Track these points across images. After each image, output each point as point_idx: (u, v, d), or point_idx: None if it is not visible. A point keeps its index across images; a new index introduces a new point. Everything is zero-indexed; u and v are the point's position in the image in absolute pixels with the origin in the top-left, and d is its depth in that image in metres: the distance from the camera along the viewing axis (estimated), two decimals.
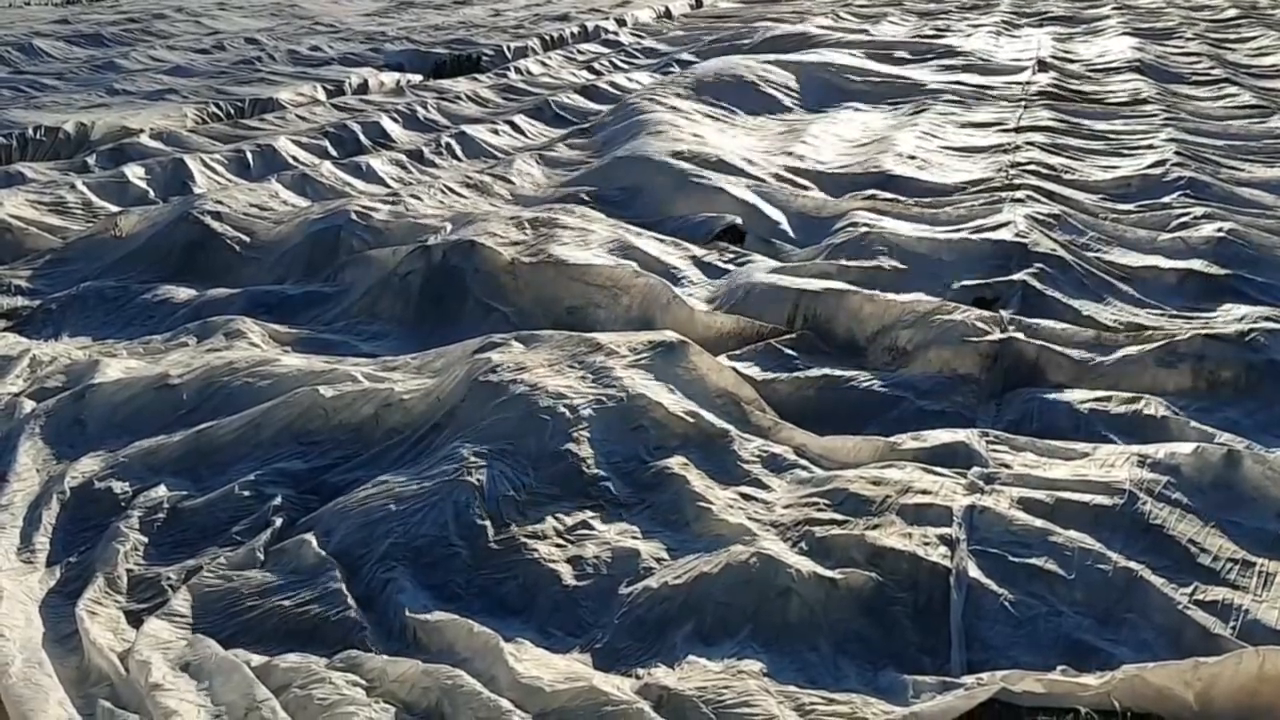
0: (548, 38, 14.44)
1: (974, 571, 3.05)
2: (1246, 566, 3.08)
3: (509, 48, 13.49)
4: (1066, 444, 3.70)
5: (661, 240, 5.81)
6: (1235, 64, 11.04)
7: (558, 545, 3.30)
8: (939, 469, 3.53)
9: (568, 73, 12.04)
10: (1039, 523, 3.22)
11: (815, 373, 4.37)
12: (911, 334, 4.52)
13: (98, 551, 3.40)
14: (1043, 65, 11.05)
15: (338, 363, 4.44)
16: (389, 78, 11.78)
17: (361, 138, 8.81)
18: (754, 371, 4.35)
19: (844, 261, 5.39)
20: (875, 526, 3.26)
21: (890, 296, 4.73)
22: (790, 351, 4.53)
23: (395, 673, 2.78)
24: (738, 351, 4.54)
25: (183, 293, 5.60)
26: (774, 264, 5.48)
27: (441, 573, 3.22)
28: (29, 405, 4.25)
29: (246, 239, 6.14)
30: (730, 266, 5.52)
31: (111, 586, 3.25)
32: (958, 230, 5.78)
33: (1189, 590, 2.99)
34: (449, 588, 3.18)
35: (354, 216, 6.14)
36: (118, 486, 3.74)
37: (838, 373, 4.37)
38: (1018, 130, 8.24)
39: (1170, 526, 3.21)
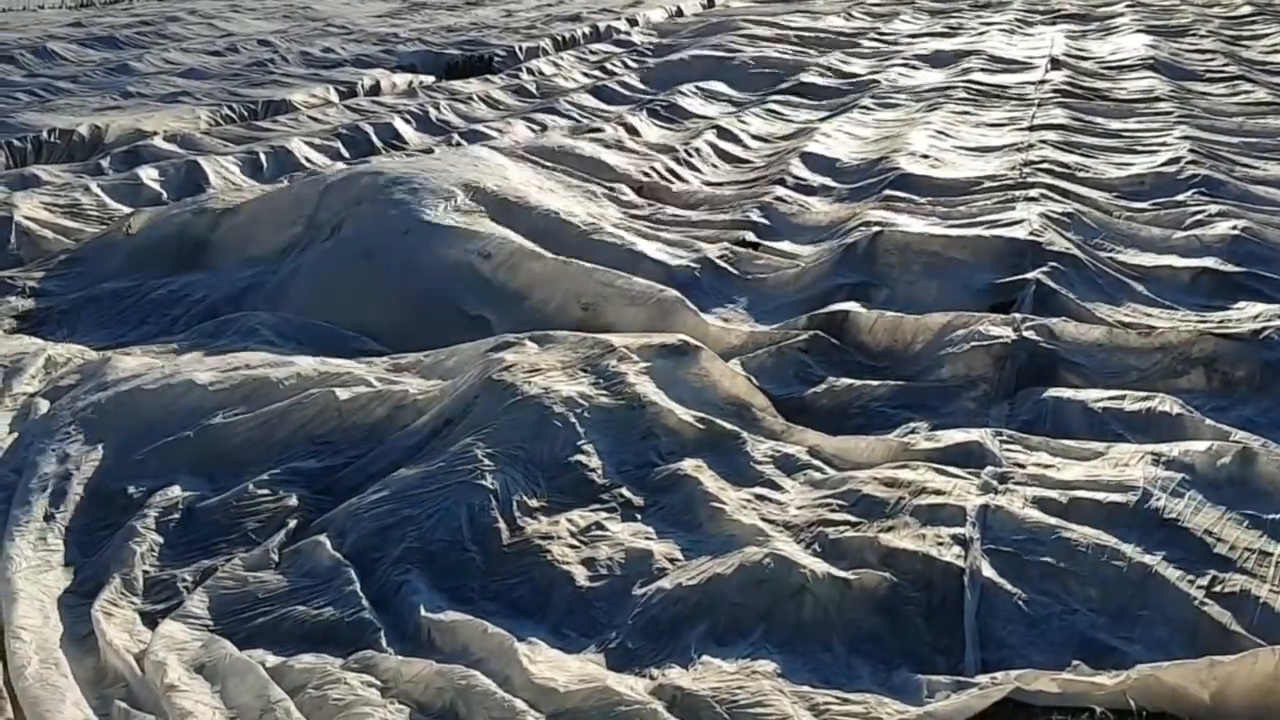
0: (559, 38, 14.44)
1: (988, 571, 3.04)
2: (1262, 562, 3.06)
3: (521, 48, 13.50)
4: (1080, 443, 3.69)
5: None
6: (1250, 61, 11.00)
7: (571, 547, 3.30)
8: (953, 469, 3.52)
9: (579, 73, 12.04)
10: (1053, 521, 3.21)
11: (832, 382, 4.36)
12: (926, 343, 4.52)
13: (113, 552, 3.42)
14: (1056, 63, 11.02)
15: (351, 365, 4.45)
16: (401, 79, 11.80)
17: (374, 139, 8.83)
18: (765, 380, 4.35)
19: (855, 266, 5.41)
20: (889, 528, 3.25)
21: (903, 316, 4.71)
22: (804, 356, 4.52)
23: (410, 673, 2.79)
24: (751, 355, 4.54)
25: (196, 291, 5.62)
26: (786, 271, 5.50)
27: (455, 574, 3.23)
28: (45, 405, 4.27)
29: None
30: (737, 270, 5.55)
31: (127, 587, 3.26)
32: (971, 228, 5.77)
33: (1204, 587, 2.98)
34: (463, 590, 3.19)
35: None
36: (133, 486, 3.76)
37: (852, 379, 4.37)
38: (1031, 129, 8.22)
39: (1185, 523, 3.20)
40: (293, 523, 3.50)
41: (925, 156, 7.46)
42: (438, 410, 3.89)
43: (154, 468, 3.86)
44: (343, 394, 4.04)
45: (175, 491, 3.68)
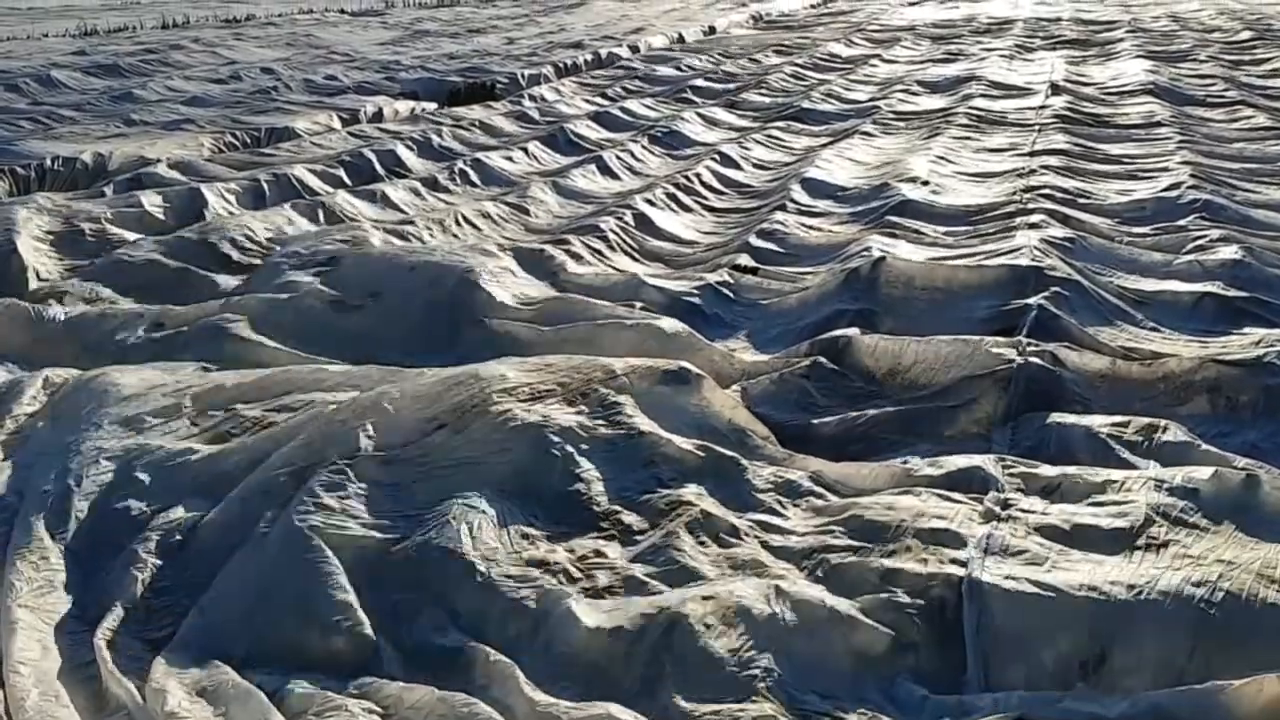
0: (561, 65, 14.51)
1: (991, 597, 3.03)
2: (1266, 587, 3.05)
3: (523, 75, 13.57)
4: (1083, 469, 3.68)
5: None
6: (1249, 86, 11.04)
7: (570, 575, 3.28)
8: (955, 494, 3.51)
9: (581, 99, 12.10)
10: (1056, 547, 3.20)
11: (834, 408, 4.37)
12: (927, 368, 4.51)
13: (115, 576, 3.40)
14: (1056, 89, 11.07)
15: (346, 378, 4.44)
16: (404, 106, 11.86)
17: (377, 166, 8.85)
18: (767, 407, 4.34)
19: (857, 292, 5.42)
20: (891, 553, 3.24)
21: (904, 340, 4.71)
22: (806, 383, 4.52)
23: (410, 700, 2.78)
24: (751, 380, 4.54)
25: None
26: (788, 298, 5.52)
27: (456, 595, 3.22)
28: (45, 426, 4.27)
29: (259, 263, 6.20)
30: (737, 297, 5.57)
31: (129, 613, 3.24)
32: (972, 254, 5.78)
33: (1207, 610, 2.96)
34: (465, 612, 3.18)
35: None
36: (135, 508, 3.74)
37: (854, 405, 4.37)
38: (1032, 154, 8.25)
39: (1188, 549, 3.18)
40: None
41: (926, 183, 7.49)
42: (430, 414, 3.86)
43: (156, 488, 3.84)
44: (339, 413, 4.02)
45: (178, 513, 3.67)
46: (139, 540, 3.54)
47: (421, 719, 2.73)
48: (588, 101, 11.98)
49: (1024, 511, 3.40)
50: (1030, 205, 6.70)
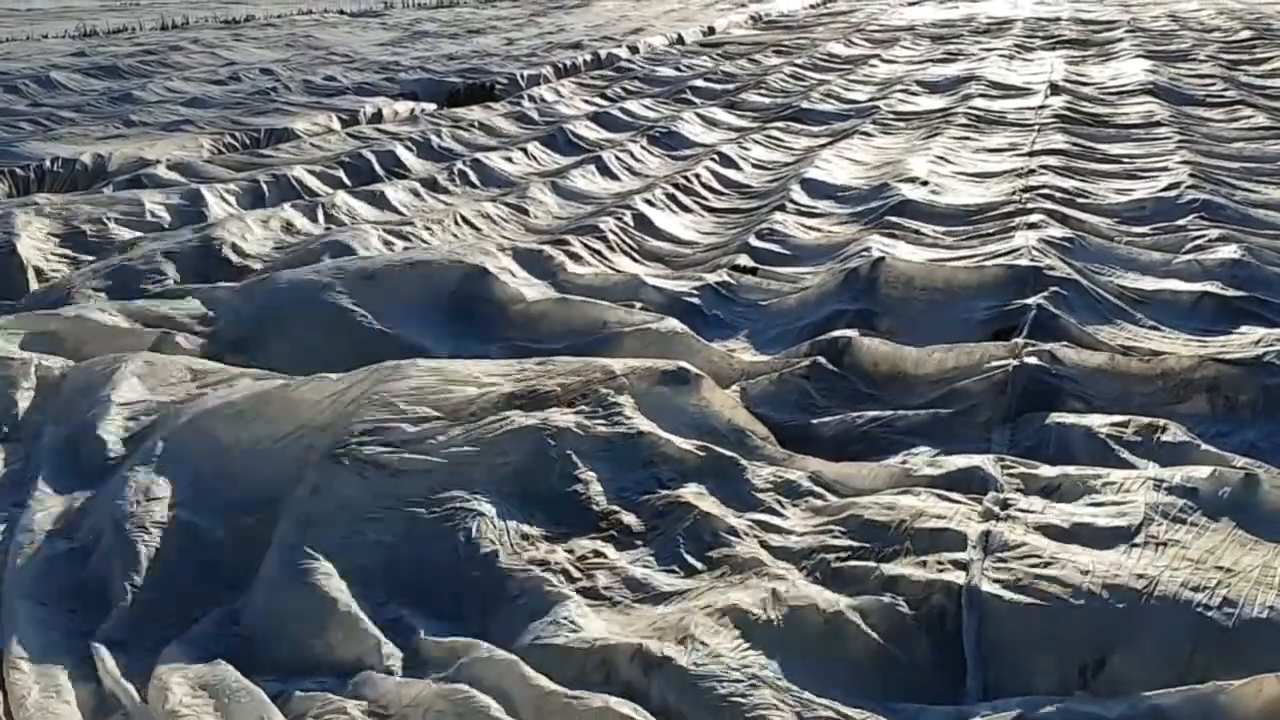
0: (561, 65, 14.51)
1: (989, 596, 3.03)
2: (1266, 586, 3.05)
3: (522, 76, 13.57)
4: (1082, 468, 3.68)
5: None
6: (1249, 85, 11.05)
7: (570, 576, 3.29)
8: (954, 494, 3.51)
9: (580, 100, 12.10)
10: (1055, 546, 3.20)
11: (834, 410, 4.37)
12: (927, 370, 4.52)
13: (117, 572, 3.40)
14: (1056, 88, 11.08)
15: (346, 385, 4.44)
16: (403, 106, 11.85)
17: (376, 166, 8.85)
18: (767, 407, 4.35)
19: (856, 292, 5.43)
20: (891, 555, 3.24)
21: (905, 348, 4.71)
22: (805, 384, 4.52)
23: (409, 696, 2.77)
24: (751, 381, 4.55)
25: None
26: (788, 298, 5.52)
27: (454, 600, 3.22)
28: (48, 427, 4.27)
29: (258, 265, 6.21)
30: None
31: (131, 609, 3.24)
32: (972, 254, 5.78)
33: (1206, 612, 2.96)
34: (462, 613, 3.18)
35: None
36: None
37: (853, 407, 4.38)
38: (1031, 154, 8.25)
39: (1188, 548, 3.19)
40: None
41: (925, 183, 7.49)
42: (433, 413, 3.85)
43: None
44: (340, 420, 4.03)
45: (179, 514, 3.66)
46: (138, 534, 3.54)
47: (421, 715, 2.73)
48: (587, 102, 11.98)
49: (1023, 511, 3.39)
50: (1029, 205, 6.70)
